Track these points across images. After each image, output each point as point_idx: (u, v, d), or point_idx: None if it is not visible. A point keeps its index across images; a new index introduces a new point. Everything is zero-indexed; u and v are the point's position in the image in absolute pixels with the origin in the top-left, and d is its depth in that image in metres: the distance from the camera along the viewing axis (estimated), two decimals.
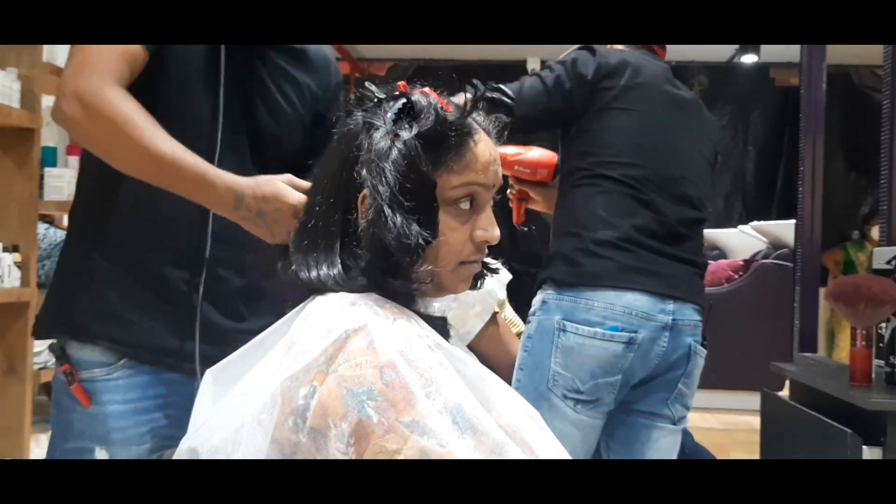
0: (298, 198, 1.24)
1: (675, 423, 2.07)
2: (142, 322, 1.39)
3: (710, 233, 7.29)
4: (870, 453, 1.94)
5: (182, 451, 1.04)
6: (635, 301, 1.94)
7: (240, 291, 1.47)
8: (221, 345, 1.25)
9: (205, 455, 1.01)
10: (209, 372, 1.12)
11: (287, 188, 1.26)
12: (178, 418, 1.42)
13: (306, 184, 1.23)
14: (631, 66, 2.06)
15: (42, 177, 3.04)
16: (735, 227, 7.04)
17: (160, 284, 1.40)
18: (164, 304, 1.40)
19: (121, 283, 1.40)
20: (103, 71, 1.27)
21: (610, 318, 1.93)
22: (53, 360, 1.42)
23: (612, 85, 2.04)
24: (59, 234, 4.10)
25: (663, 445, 2.07)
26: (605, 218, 1.99)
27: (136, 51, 1.31)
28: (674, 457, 2.10)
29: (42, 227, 3.13)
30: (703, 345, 2.06)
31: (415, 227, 1.04)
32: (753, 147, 8.22)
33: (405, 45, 7.57)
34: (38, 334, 1.45)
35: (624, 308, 1.94)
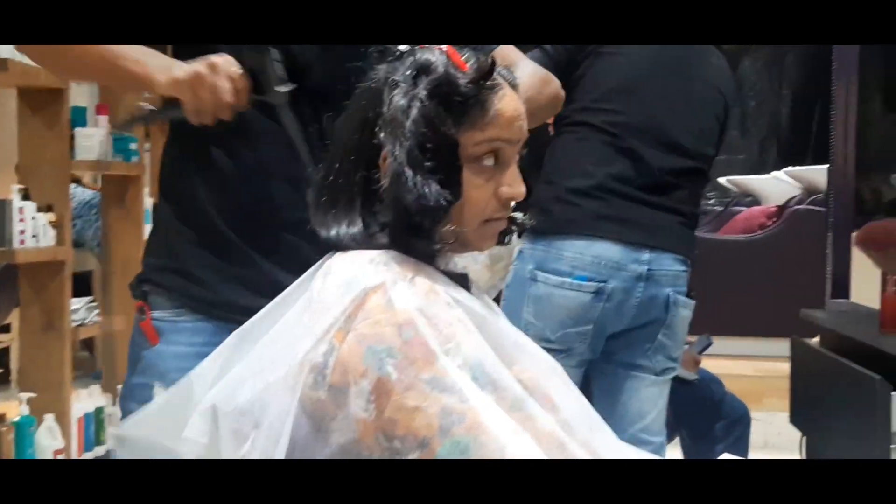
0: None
1: (657, 374, 2.06)
2: (209, 280, 1.43)
3: (743, 179, 7.21)
4: None
5: (204, 409, 1.04)
6: (606, 251, 1.93)
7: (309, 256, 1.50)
8: None
9: (230, 415, 1.01)
10: (234, 334, 1.13)
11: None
12: None
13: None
14: None
15: (73, 137, 3.05)
16: (769, 172, 6.95)
17: (225, 245, 1.43)
18: (228, 264, 1.43)
19: (190, 242, 1.45)
20: None
21: (579, 268, 1.94)
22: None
23: None
24: (88, 194, 4.14)
25: (645, 396, 2.06)
26: (581, 166, 1.98)
27: None
28: (657, 408, 2.09)
29: (70, 188, 3.17)
30: (689, 296, 2.04)
31: (435, 188, 1.03)
32: (788, 90, 8.09)
33: None
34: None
35: (594, 258, 1.93)
